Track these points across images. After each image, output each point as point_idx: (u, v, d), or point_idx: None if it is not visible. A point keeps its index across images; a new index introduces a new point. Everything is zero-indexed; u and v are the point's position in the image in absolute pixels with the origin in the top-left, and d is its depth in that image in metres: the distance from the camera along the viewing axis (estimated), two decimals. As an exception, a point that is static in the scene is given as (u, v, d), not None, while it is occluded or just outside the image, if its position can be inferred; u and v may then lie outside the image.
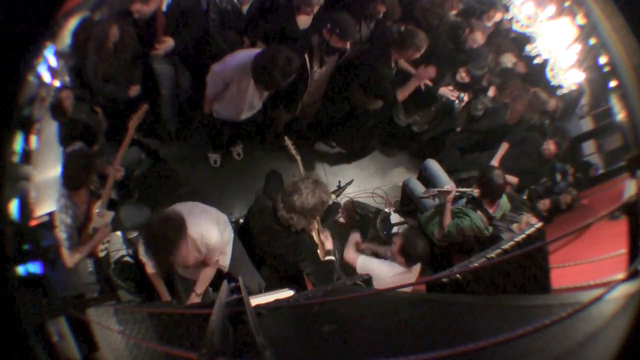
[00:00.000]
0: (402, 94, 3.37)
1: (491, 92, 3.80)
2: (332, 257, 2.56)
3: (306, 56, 2.93)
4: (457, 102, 3.75)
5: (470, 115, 3.85)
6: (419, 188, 3.42)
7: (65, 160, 2.41)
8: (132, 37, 2.84)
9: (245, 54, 2.67)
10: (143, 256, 2.34)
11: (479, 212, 2.94)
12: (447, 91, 3.69)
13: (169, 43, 2.96)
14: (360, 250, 3.00)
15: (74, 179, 2.35)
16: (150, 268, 2.35)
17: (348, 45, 2.88)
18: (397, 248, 2.70)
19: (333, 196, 3.00)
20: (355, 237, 3.14)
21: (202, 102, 3.02)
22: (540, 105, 3.68)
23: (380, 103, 3.54)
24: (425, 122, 4.02)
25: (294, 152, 3.02)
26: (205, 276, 2.41)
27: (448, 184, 3.26)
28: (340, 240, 3.09)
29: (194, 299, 2.37)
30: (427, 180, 3.48)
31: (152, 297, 2.60)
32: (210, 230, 2.25)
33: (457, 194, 3.06)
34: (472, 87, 3.83)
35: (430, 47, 3.22)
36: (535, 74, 3.83)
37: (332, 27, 2.80)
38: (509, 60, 3.81)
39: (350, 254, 2.80)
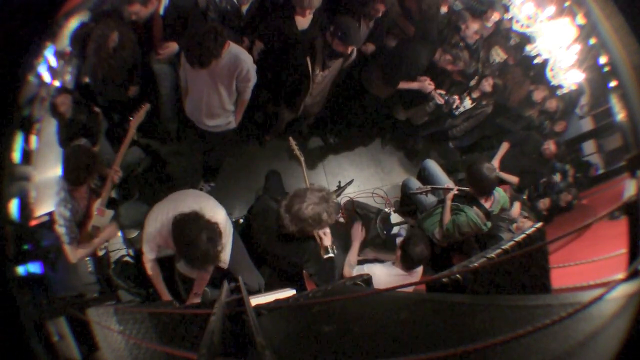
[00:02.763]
0: (403, 84, 3.48)
1: (486, 83, 3.81)
2: (331, 255, 2.55)
3: (308, 59, 2.92)
4: (444, 105, 3.77)
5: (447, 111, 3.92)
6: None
7: (69, 154, 2.40)
8: (131, 40, 2.84)
9: None
10: (145, 249, 2.33)
11: (475, 208, 2.93)
12: (435, 94, 3.72)
13: (172, 48, 2.95)
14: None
15: (75, 174, 2.35)
16: (150, 269, 2.35)
17: (349, 50, 2.88)
18: (398, 249, 2.67)
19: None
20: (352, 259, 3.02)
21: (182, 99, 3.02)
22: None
23: (387, 91, 3.58)
24: (423, 117, 4.03)
25: (297, 152, 3.01)
26: (204, 275, 2.41)
27: (447, 183, 3.27)
28: (340, 240, 3.08)
29: (194, 298, 2.38)
30: (427, 180, 3.48)
31: (152, 297, 2.61)
32: (218, 211, 2.31)
33: (457, 192, 3.06)
34: (465, 85, 3.85)
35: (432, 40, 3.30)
36: (535, 73, 3.85)
37: (335, 30, 2.79)
38: (497, 54, 3.82)
39: (346, 270, 2.78)
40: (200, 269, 2.26)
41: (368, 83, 3.60)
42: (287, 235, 2.38)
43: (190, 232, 1.99)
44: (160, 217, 2.22)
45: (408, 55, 3.36)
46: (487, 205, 2.94)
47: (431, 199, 3.42)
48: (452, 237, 3.02)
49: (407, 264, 2.59)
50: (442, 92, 3.71)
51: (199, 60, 2.48)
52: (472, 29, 3.59)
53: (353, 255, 2.83)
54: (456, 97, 3.83)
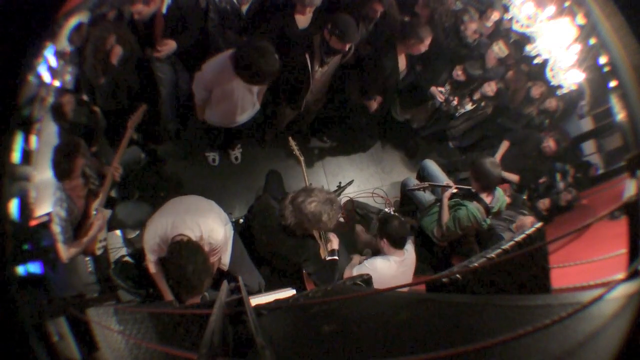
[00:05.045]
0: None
1: (488, 87, 3.80)
2: (335, 257, 2.56)
3: (307, 56, 2.93)
4: (443, 104, 3.75)
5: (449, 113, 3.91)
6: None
7: (52, 152, 2.36)
8: (129, 42, 2.83)
9: (220, 58, 2.61)
10: (146, 251, 2.32)
11: (475, 203, 2.94)
12: (436, 92, 3.69)
13: (171, 46, 2.95)
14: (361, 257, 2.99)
15: (59, 166, 2.31)
16: (153, 267, 2.35)
17: (346, 47, 2.88)
18: (379, 238, 2.71)
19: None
20: (355, 262, 3.03)
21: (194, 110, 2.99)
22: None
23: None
24: (423, 119, 4.02)
25: (297, 152, 3.01)
26: None
27: (446, 181, 3.28)
28: (340, 240, 3.08)
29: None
30: (425, 180, 3.48)
31: (152, 297, 2.60)
32: (216, 229, 2.28)
33: (455, 190, 3.07)
34: (467, 87, 3.84)
35: (434, 42, 3.23)
36: (534, 72, 3.84)
37: (332, 28, 2.79)
38: (499, 49, 3.80)
39: (346, 272, 2.80)
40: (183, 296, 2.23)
41: (357, 98, 3.53)
42: (287, 234, 2.38)
43: (181, 261, 1.94)
44: (160, 231, 2.19)
45: (378, 69, 3.26)
46: (487, 200, 2.95)
47: (430, 197, 3.42)
48: (453, 233, 3.02)
49: (396, 243, 2.64)
50: (443, 89, 3.69)
51: (259, 81, 2.64)
52: (471, 29, 3.58)
53: (356, 259, 2.91)
54: (456, 98, 3.82)
